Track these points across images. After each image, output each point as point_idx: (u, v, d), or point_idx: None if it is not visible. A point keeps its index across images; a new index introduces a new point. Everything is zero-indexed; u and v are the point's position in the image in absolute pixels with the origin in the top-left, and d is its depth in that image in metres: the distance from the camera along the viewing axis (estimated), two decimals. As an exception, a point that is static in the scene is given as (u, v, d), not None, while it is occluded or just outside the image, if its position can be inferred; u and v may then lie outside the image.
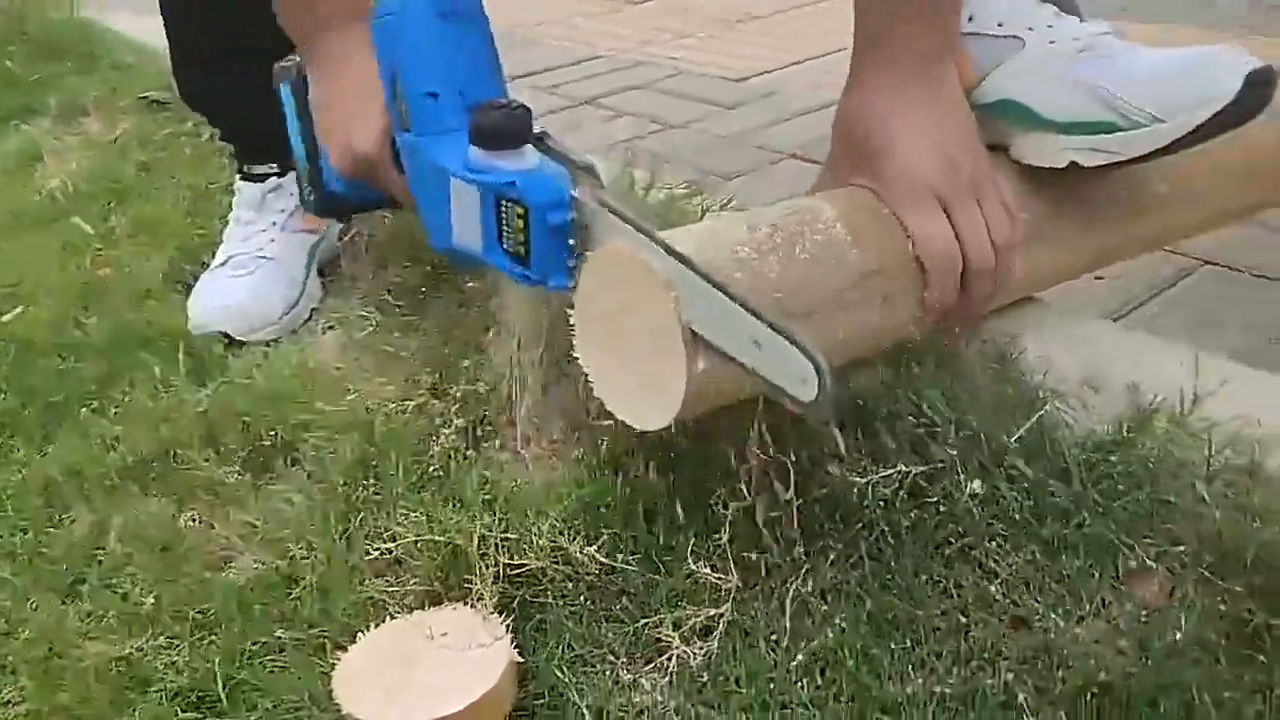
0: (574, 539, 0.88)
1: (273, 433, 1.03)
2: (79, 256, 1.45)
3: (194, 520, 0.98)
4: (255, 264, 1.30)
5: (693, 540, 0.87)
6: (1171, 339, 0.95)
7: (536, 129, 0.88)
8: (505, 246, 0.86)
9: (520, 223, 0.82)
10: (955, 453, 0.86)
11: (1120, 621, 0.78)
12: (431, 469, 0.98)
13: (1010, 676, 0.76)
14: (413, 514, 0.92)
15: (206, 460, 1.03)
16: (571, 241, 0.82)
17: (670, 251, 0.71)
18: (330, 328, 1.26)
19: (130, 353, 1.21)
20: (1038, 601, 0.80)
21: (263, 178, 1.31)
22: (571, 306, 0.84)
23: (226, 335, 1.24)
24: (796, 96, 1.87)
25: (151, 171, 1.70)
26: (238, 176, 1.35)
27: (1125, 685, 0.74)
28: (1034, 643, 0.78)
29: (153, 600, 0.90)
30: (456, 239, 0.92)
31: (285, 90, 1.11)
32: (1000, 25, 0.89)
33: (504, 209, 0.84)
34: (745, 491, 0.88)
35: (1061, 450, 0.84)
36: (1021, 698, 0.75)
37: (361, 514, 0.95)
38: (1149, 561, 0.80)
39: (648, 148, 1.69)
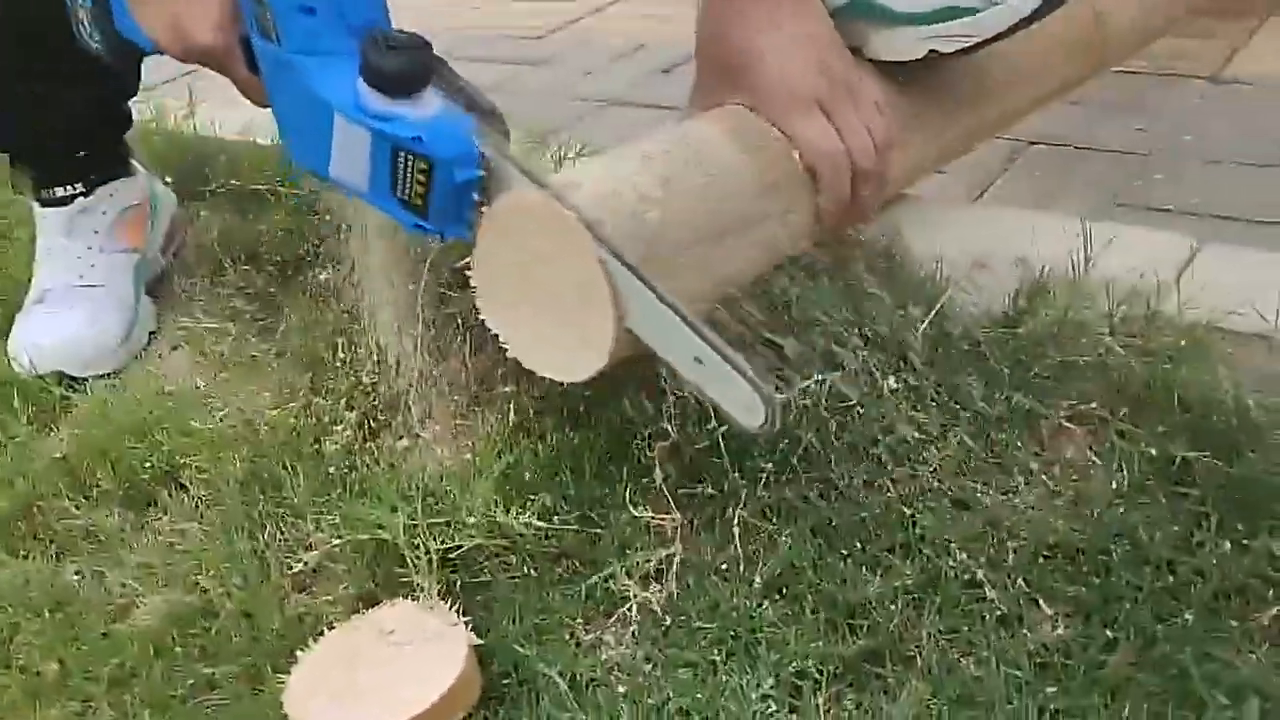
0: (505, 510, 0.84)
1: (147, 465, 0.96)
2: None
3: (80, 574, 0.90)
4: (76, 294, 1.20)
5: (628, 486, 0.85)
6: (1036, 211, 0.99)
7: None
8: (399, 195, 0.80)
9: (422, 176, 0.77)
10: (865, 354, 0.87)
11: (1055, 485, 0.80)
12: (332, 469, 0.93)
13: (964, 556, 0.78)
14: (325, 517, 0.88)
15: (77, 508, 0.95)
16: (475, 196, 0.78)
17: (614, 254, 0.69)
18: (176, 348, 1.18)
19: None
20: (974, 482, 0.82)
21: (68, 199, 1.20)
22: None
23: (63, 374, 1.14)
24: (603, 47, 1.85)
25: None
26: (36, 205, 1.24)
27: (1075, 542, 0.76)
28: (979, 520, 0.80)
29: (56, 666, 0.82)
30: (335, 172, 0.84)
31: None
32: None
33: (403, 159, 0.79)
34: (668, 430, 0.87)
35: (967, 333, 0.86)
36: (980, 574, 0.77)
37: (267, 529, 0.89)
38: (1067, 424, 0.82)
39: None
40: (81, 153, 1.20)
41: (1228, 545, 0.73)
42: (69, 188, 1.21)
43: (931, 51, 0.87)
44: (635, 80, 1.69)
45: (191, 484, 0.94)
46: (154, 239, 1.29)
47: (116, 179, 1.24)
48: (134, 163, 1.28)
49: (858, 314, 0.88)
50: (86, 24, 0.96)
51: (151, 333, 1.22)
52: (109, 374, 1.15)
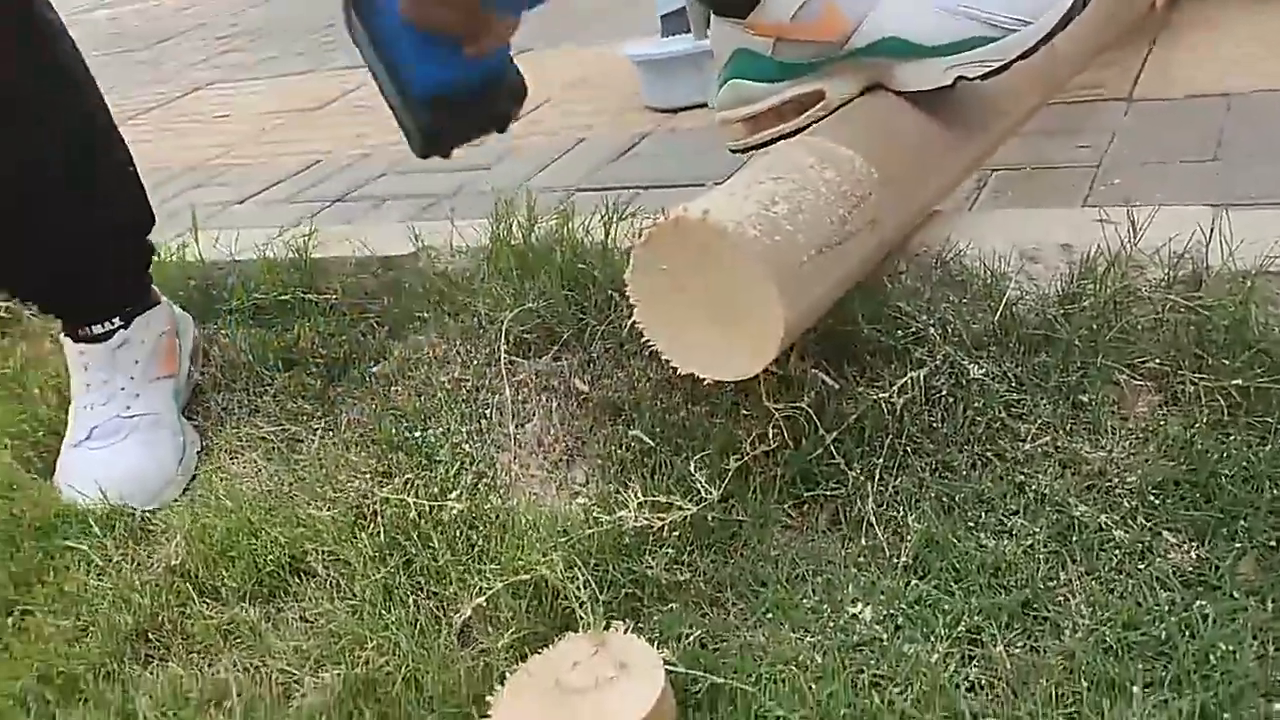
0: (641, 543, 0.89)
1: (270, 558, 0.97)
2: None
3: (231, 669, 0.90)
4: (125, 425, 1.20)
5: (757, 496, 0.91)
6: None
7: None
8: None
9: None
10: (946, 350, 0.95)
11: (1143, 434, 0.89)
12: (458, 533, 0.96)
13: (1084, 508, 0.86)
14: (470, 573, 0.91)
15: (208, 608, 0.95)
16: None
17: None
18: (235, 457, 1.19)
19: (32, 547, 1.08)
20: (1072, 443, 0.90)
21: (107, 335, 1.22)
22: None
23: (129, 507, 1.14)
24: (536, 148, 1.93)
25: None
26: (69, 340, 1.24)
27: (1178, 476, 0.85)
28: (1087, 475, 0.88)
29: (241, 756, 0.82)
30: None
31: None
32: None
33: None
34: (783, 435, 0.94)
35: (1033, 316, 0.95)
36: (1103, 519, 0.85)
37: (413, 596, 0.91)
38: (1139, 380, 0.92)
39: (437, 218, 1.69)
40: (115, 288, 1.22)
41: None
42: (106, 324, 1.22)
43: (959, 78, 0.98)
44: (591, 168, 1.77)
45: (322, 568, 0.96)
46: (183, 362, 1.30)
47: (149, 309, 1.25)
48: (155, 289, 1.30)
49: (930, 313, 0.97)
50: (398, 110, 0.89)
51: (198, 452, 1.23)
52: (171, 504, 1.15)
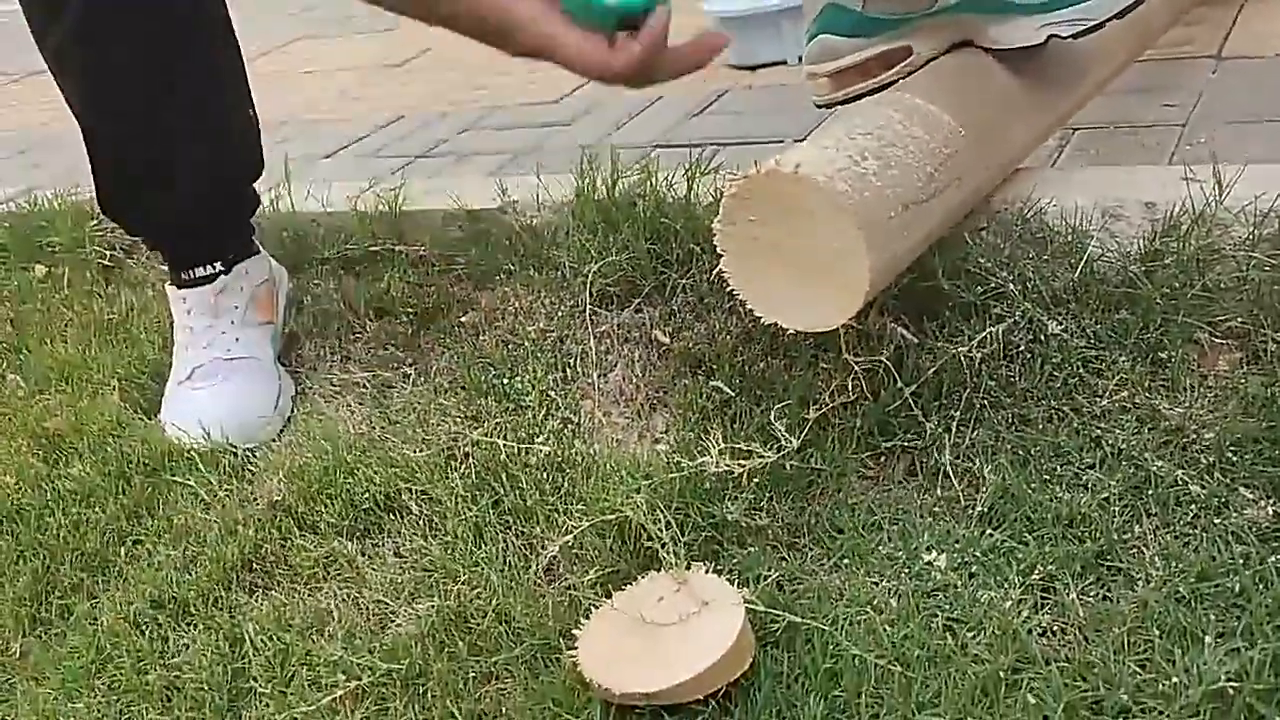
0: (724, 487, 0.92)
1: (365, 496, 1.02)
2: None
3: (331, 597, 0.95)
4: (225, 368, 1.26)
5: (836, 444, 0.93)
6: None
7: None
8: None
9: None
10: (1025, 306, 0.97)
11: (1221, 391, 0.90)
12: (543, 475, 0.99)
13: (1160, 462, 0.87)
14: (558, 513, 0.94)
15: (308, 542, 1.00)
16: None
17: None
18: (331, 400, 1.24)
19: (142, 482, 1.14)
20: (1150, 398, 0.91)
21: (210, 278, 1.27)
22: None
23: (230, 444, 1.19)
24: (615, 104, 1.95)
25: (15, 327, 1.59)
26: (173, 288, 1.30)
27: (1256, 433, 0.86)
28: (1164, 430, 0.89)
29: (341, 677, 0.87)
30: None
31: None
32: None
33: None
34: (862, 388, 0.96)
35: (1115, 273, 0.96)
36: (1179, 474, 0.86)
37: (503, 535, 0.95)
38: (1219, 339, 0.93)
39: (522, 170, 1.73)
40: (223, 231, 1.27)
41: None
42: (209, 266, 1.27)
43: (1051, 36, 0.98)
44: (669, 125, 1.79)
45: (415, 505, 1.00)
46: (280, 311, 1.35)
47: (249, 257, 1.30)
48: (255, 241, 1.35)
49: (1010, 270, 0.98)
50: None
51: (292, 397, 1.28)
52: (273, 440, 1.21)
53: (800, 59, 1.11)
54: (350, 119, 2.23)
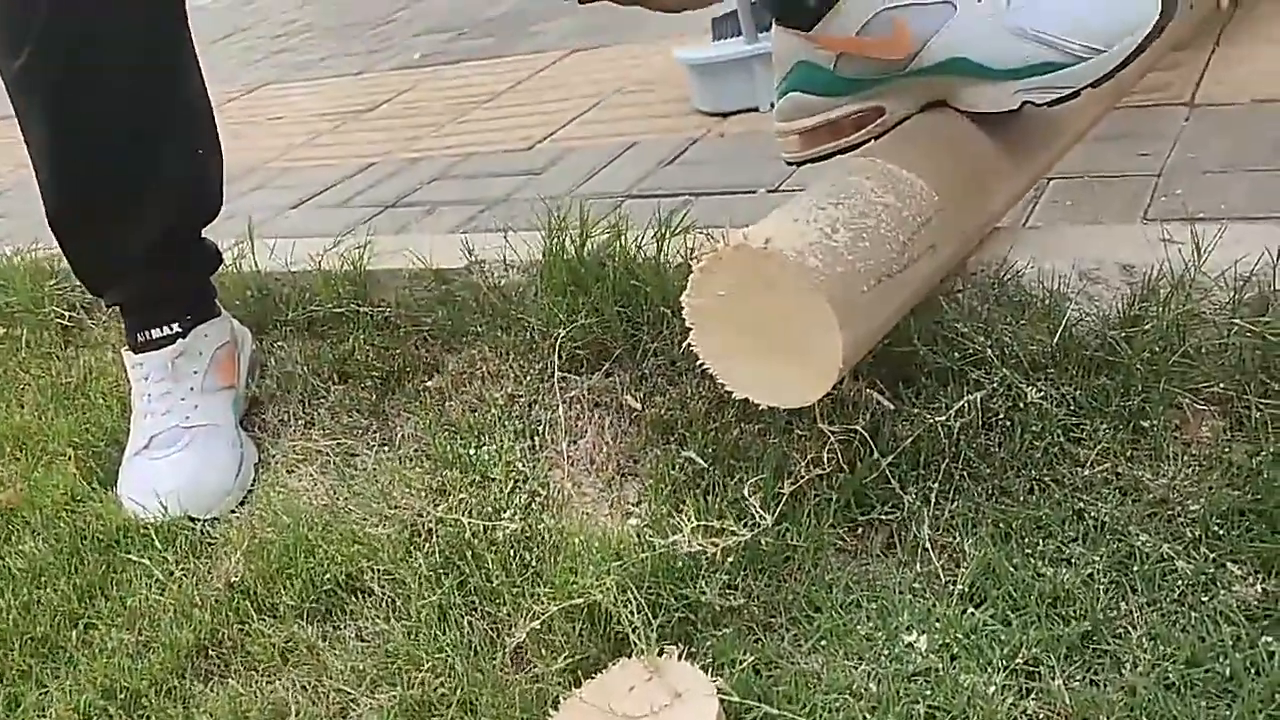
0: (696, 564, 0.89)
1: (326, 576, 0.98)
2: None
3: (290, 687, 0.91)
4: (184, 435, 1.22)
5: (812, 517, 0.91)
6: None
7: None
8: None
9: None
10: (1004, 372, 0.94)
11: (1205, 461, 0.88)
12: (512, 553, 0.96)
13: (1145, 536, 0.85)
14: (525, 595, 0.91)
15: (266, 626, 0.96)
16: None
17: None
18: (292, 470, 1.20)
19: (95, 560, 1.10)
20: (1133, 469, 0.89)
21: (168, 340, 1.24)
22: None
23: (188, 517, 1.15)
24: (586, 152, 1.93)
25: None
26: (129, 353, 1.26)
27: (1244, 506, 0.83)
28: (1148, 502, 0.87)
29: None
30: None
31: None
32: None
33: None
34: (838, 458, 0.93)
35: (1093, 338, 0.94)
36: (1165, 549, 0.83)
37: (468, 618, 0.92)
38: (1201, 405, 0.90)
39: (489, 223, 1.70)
40: (177, 285, 1.24)
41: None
42: (166, 328, 1.24)
43: (1025, 103, 0.96)
44: (641, 174, 1.77)
45: (378, 586, 0.97)
46: (241, 375, 1.32)
47: (209, 320, 1.27)
48: (217, 303, 1.32)
49: (987, 334, 0.96)
50: None
51: (255, 465, 1.25)
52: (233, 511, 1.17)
53: (772, 105, 1.08)
54: (319, 166, 2.20)
